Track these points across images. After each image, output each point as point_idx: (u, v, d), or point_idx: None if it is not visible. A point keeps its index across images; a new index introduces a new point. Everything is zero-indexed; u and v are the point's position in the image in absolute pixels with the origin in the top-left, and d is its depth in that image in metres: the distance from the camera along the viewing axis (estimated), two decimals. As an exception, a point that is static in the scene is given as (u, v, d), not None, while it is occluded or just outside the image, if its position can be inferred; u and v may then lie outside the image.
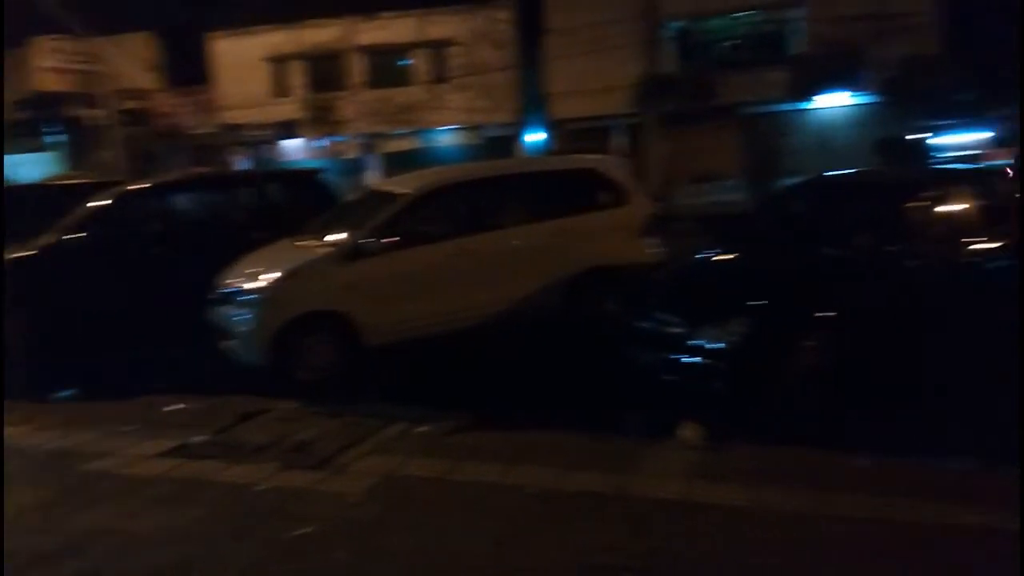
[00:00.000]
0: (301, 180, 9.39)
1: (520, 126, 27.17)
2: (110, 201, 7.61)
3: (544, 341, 6.76)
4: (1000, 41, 19.29)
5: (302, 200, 8.33)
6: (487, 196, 7.22)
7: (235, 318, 6.20)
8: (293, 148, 27.85)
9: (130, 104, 26.22)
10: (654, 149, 24.13)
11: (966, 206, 5.92)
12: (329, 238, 6.64)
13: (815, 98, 22.95)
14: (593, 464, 4.19)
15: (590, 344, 6.57)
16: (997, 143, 19.97)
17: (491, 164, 10.18)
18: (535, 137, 27.08)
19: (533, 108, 26.58)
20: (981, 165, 16.80)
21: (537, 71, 26.05)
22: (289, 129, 27.34)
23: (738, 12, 24.36)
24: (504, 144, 26.33)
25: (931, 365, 4.83)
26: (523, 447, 4.50)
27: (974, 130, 20.90)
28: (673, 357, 5.17)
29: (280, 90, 27.82)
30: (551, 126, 26.33)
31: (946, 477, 3.79)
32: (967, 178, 6.87)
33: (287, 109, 27.13)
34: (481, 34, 26.55)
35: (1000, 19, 20.64)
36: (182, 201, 8.22)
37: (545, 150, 26.13)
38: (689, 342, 5.08)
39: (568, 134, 25.14)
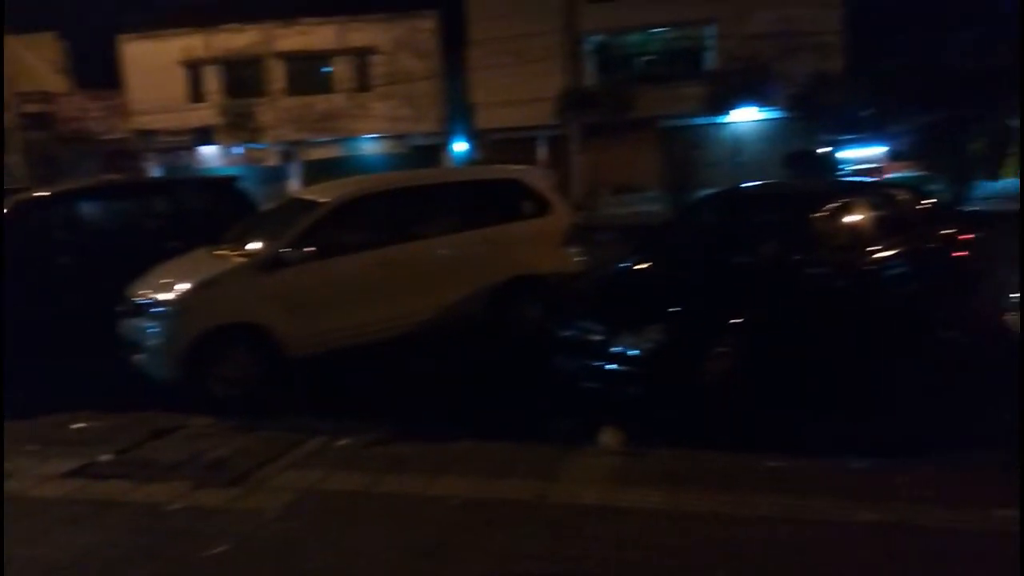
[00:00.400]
0: (218, 188, 9.12)
1: (446, 135, 27.18)
2: (10, 209, 7.21)
3: (469, 350, 6.78)
4: (897, 60, 20.50)
5: (219, 208, 8.11)
6: (410, 205, 7.19)
7: (147, 331, 5.96)
8: (210, 155, 27.02)
9: (33, 107, 24.94)
10: (577, 160, 24.56)
11: (866, 216, 6.28)
12: (247, 247, 6.48)
13: (729, 112, 23.83)
14: (516, 472, 4.21)
15: (514, 353, 6.62)
16: (894, 157, 21.19)
17: (414, 173, 10.15)
18: (460, 147, 27.15)
19: (458, 118, 26.64)
20: (882, 178, 17.89)
21: (462, 81, 26.14)
22: (205, 135, 26.52)
23: (654, 28, 25.09)
24: (430, 153, 26.27)
25: (835, 366, 5.09)
26: (447, 457, 4.49)
27: (874, 144, 22.13)
28: (594, 364, 5.27)
29: (196, 95, 26.99)
30: (476, 136, 26.45)
31: (850, 475, 3.98)
32: (868, 190, 7.28)
33: (203, 115, 26.33)
34: (404, 43, 26.47)
35: (899, 39, 21.91)
36: (90, 209, 7.88)
37: (470, 160, 26.21)
38: (609, 349, 5.19)
39: (493, 144, 25.31)
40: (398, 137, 26.69)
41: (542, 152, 25.56)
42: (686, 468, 4.14)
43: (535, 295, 7.13)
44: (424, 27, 26.28)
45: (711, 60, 24.43)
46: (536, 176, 8.23)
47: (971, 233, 7.00)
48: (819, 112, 21.46)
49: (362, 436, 4.88)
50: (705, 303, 5.31)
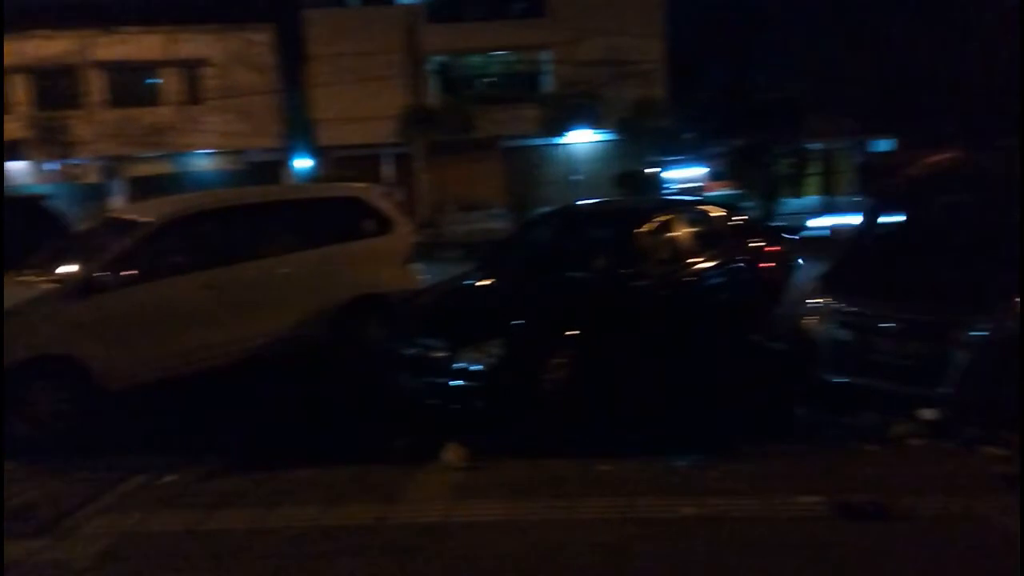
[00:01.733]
0: (24, 207, 8.31)
1: (286, 152, 26.29)
2: None
3: (310, 373, 6.58)
4: (712, 89, 22.41)
5: (25, 229, 7.38)
6: (242, 224, 6.90)
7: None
8: (19, 171, 24.48)
9: None
10: (422, 178, 24.62)
11: (686, 231, 6.76)
12: (57, 272, 5.94)
13: (565, 134, 24.88)
14: (356, 496, 4.13)
15: (357, 374, 6.50)
16: (714, 177, 23.04)
17: (248, 191, 9.74)
18: (303, 164, 26.35)
19: (300, 134, 25.87)
20: (702, 196, 19.38)
21: (302, 97, 25.45)
22: (12, 150, 24.00)
23: (493, 51, 25.75)
24: (269, 170, 25.29)
25: (660, 372, 5.43)
26: (284, 487, 4.32)
27: (696, 165, 23.96)
28: (437, 381, 5.29)
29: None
30: (318, 153, 25.80)
31: (672, 473, 4.25)
32: (687, 208, 7.86)
33: (10, 128, 23.83)
34: (238, 56, 25.39)
35: (714, 70, 23.89)
36: None
37: (313, 177, 25.50)
38: (452, 366, 5.23)
39: (337, 161, 24.82)
40: (234, 152, 25.50)
41: (388, 170, 25.38)
42: (525, 478, 4.24)
43: (378, 314, 7.05)
44: (259, 40, 25.36)
45: (547, 84, 25.40)
46: (377, 194, 8.17)
47: (777, 246, 7.73)
48: (645, 135, 22.92)
49: (190, 471, 4.59)
50: (543, 317, 5.49)
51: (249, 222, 6.97)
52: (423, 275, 7.72)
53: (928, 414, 4.82)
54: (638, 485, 4.09)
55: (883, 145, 24.16)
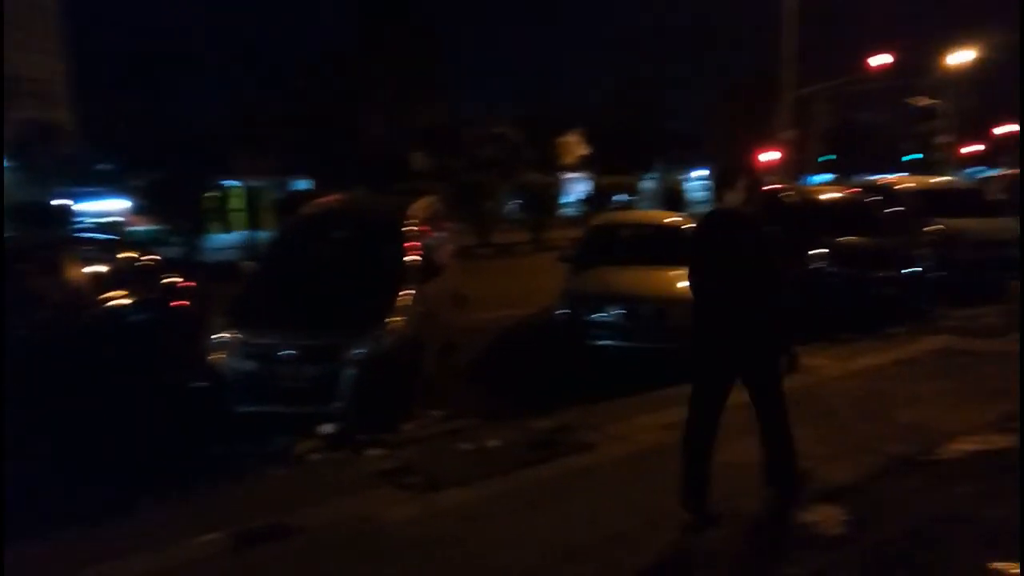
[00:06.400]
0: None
1: None
2: None
3: None
4: (128, 118, 21.00)
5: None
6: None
7: None
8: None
9: None
10: None
11: (91, 270, 6.11)
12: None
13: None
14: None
15: None
16: (137, 211, 21.49)
17: None
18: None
19: None
20: (124, 231, 17.91)
21: None
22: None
23: None
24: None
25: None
26: None
27: (116, 198, 22.01)
28: None
29: None
30: None
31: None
32: (94, 243, 7.12)
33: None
34: None
35: (131, 99, 22.33)
36: None
37: None
38: None
39: None
40: None
41: None
42: None
43: None
44: None
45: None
46: None
47: (192, 282, 7.58)
48: (48, 163, 20.12)
49: None
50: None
51: None
52: None
53: (327, 429, 5.32)
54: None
55: (303, 184, 26.09)
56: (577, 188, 32.68)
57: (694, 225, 4.65)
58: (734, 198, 3.75)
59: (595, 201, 23.14)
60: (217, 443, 5.43)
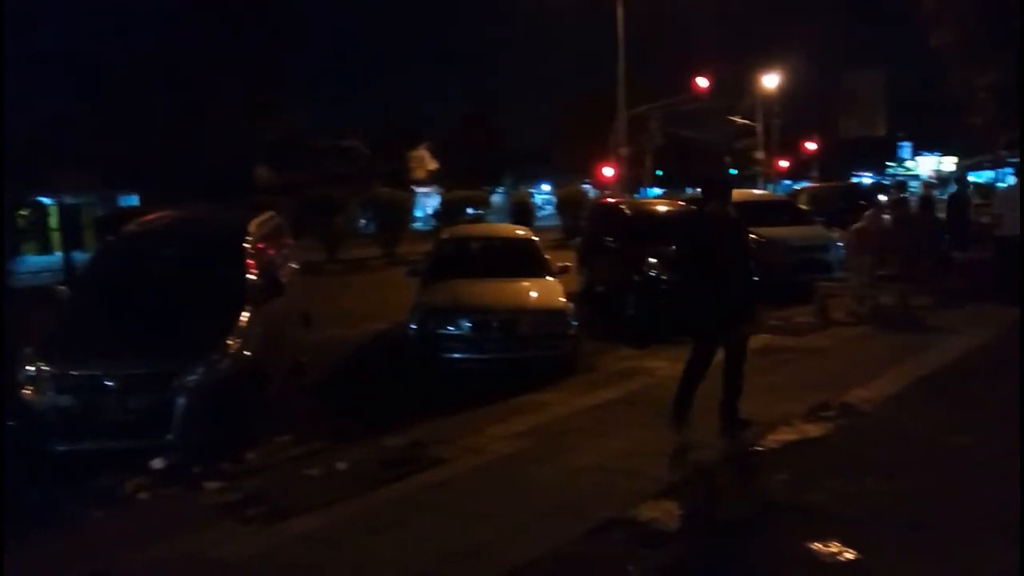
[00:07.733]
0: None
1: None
2: None
3: None
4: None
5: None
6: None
7: None
8: None
9: None
10: None
11: None
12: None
13: None
14: None
15: None
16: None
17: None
18: None
19: None
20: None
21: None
22: None
23: None
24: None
25: None
26: None
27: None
28: None
29: None
30: None
31: None
32: None
33: None
34: None
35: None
36: None
37: None
38: None
39: None
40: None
41: None
42: None
43: None
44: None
45: None
46: None
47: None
48: None
49: None
50: None
51: None
52: None
53: (158, 463, 4.93)
54: None
55: (132, 200, 24.23)
56: (428, 202, 32.70)
57: (686, 225, 6.08)
58: (717, 206, 5.05)
59: (445, 215, 23.19)
60: (33, 487, 4.88)
